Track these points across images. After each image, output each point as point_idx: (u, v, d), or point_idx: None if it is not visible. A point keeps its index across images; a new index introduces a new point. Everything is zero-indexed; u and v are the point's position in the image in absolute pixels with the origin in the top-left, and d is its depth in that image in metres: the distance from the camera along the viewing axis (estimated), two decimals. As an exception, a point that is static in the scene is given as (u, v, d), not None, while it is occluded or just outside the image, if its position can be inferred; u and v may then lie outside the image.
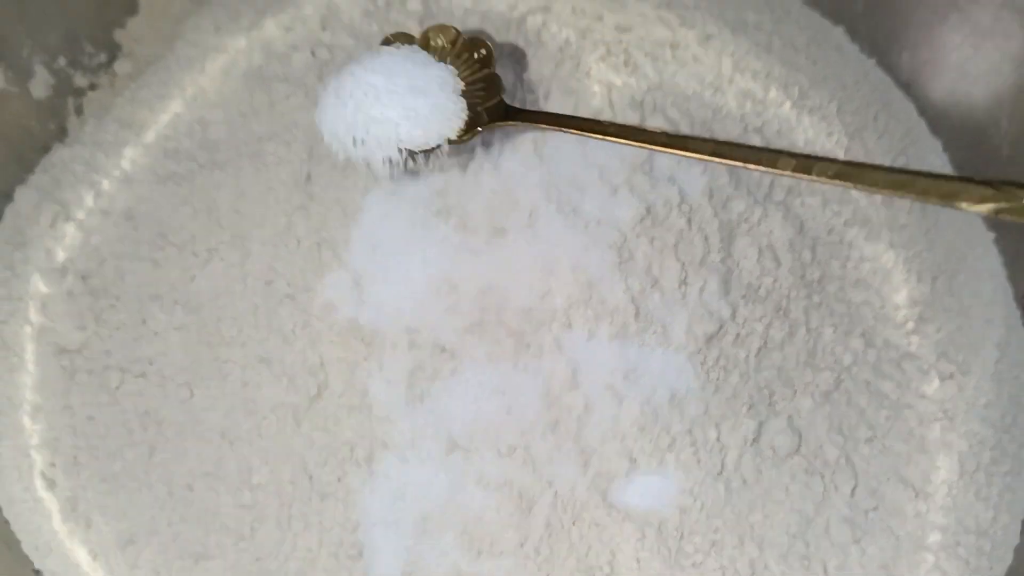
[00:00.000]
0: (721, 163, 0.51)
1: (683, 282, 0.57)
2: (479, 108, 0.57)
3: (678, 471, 0.55)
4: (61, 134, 0.63)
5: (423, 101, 0.54)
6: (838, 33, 0.67)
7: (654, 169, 0.59)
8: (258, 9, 0.64)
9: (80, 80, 0.63)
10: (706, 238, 0.58)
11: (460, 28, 0.60)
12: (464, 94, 0.56)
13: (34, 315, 0.58)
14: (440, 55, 0.57)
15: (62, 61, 0.62)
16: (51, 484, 0.56)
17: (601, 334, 0.55)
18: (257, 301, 0.57)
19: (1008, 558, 0.57)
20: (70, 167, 0.61)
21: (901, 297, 0.60)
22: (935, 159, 0.65)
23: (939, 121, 0.65)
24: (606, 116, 0.60)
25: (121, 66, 0.65)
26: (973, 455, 0.58)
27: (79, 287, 0.58)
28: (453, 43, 0.58)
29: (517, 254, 0.57)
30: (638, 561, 0.54)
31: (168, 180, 0.60)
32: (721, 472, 0.55)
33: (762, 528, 0.55)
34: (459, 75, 0.56)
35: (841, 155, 0.63)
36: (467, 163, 0.58)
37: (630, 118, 0.60)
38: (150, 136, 0.62)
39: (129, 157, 0.61)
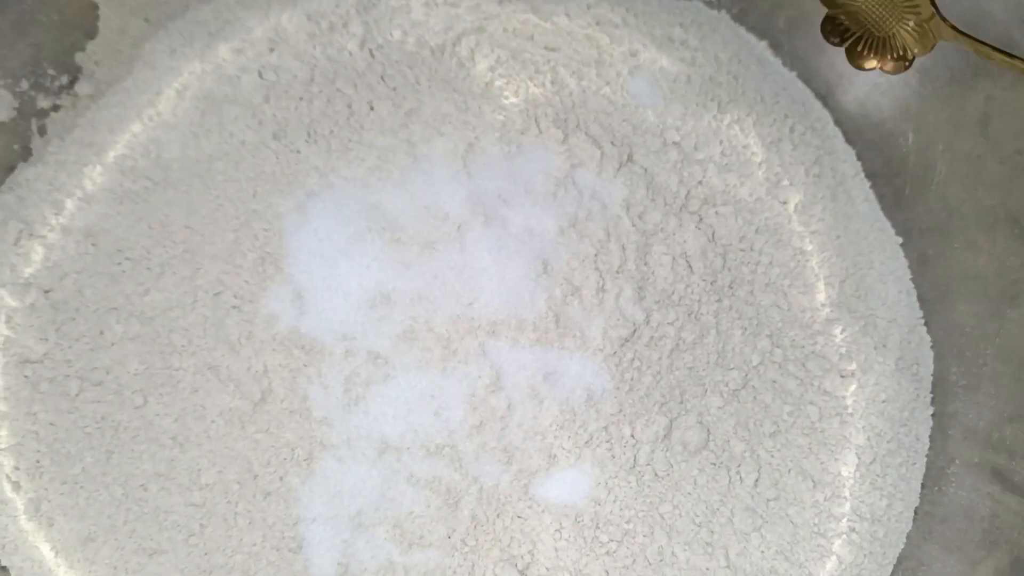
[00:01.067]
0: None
1: (601, 289, 0.60)
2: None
3: (594, 466, 0.59)
4: (25, 154, 0.64)
5: None
6: (761, 48, 0.70)
7: (576, 183, 0.62)
8: (211, 32, 0.65)
9: (43, 102, 0.65)
10: (623, 248, 0.61)
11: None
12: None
13: (0, 328, 0.60)
14: None
15: (25, 84, 0.64)
16: (16, 486, 0.58)
17: (523, 340, 0.59)
18: (206, 313, 0.59)
19: (900, 543, 0.61)
20: (34, 186, 0.62)
21: (808, 300, 0.63)
22: (848, 167, 0.68)
23: (854, 131, 0.69)
24: (531, 134, 0.63)
25: (82, 87, 0.66)
26: (870, 448, 0.61)
27: (41, 301, 0.60)
28: None
29: (446, 266, 0.60)
30: (556, 550, 0.58)
31: (125, 198, 0.62)
32: (634, 466, 0.59)
33: (671, 518, 0.59)
34: None
35: (758, 163, 0.66)
36: (402, 181, 0.61)
37: (554, 135, 0.63)
38: (109, 156, 0.63)
39: (89, 176, 0.63)
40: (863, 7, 0.59)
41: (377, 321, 0.59)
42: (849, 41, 0.59)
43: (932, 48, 0.57)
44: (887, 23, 0.58)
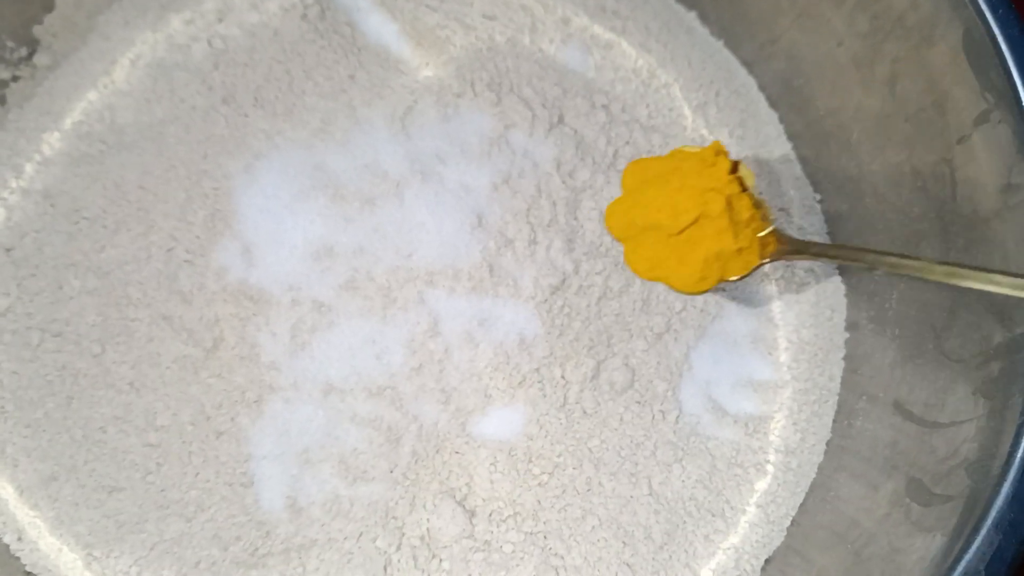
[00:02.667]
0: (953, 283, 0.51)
1: (532, 241, 0.64)
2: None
3: (527, 405, 0.62)
4: None
5: None
6: (691, 18, 0.74)
7: (509, 143, 0.65)
8: (162, 4, 0.68)
9: (3, 73, 0.67)
10: (554, 203, 0.65)
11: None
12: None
13: (-37, 284, 0.62)
14: None
15: None
16: None
17: (459, 289, 0.63)
18: (159, 267, 0.62)
19: (812, 473, 0.65)
20: None
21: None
22: (771, 130, 0.72)
23: (776, 96, 0.73)
24: (467, 97, 0.66)
25: (40, 59, 0.68)
26: (786, 387, 0.65)
27: (3, 258, 0.62)
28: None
29: (386, 221, 0.63)
30: (492, 483, 0.62)
31: (81, 161, 0.64)
32: (564, 405, 0.63)
33: (598, 451, 0.63)
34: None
35: (687, 126, 0.70)
36: (344, 142, 0.65)
37: (488, 98, 0.66)
38: (66, 122, 0.65)
39: (48, 141, 0.65)
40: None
41: (321, 272, 0.62)
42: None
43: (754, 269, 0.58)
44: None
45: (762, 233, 0.59)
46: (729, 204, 0.58)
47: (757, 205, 0.60)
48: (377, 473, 0.61)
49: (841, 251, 0.59)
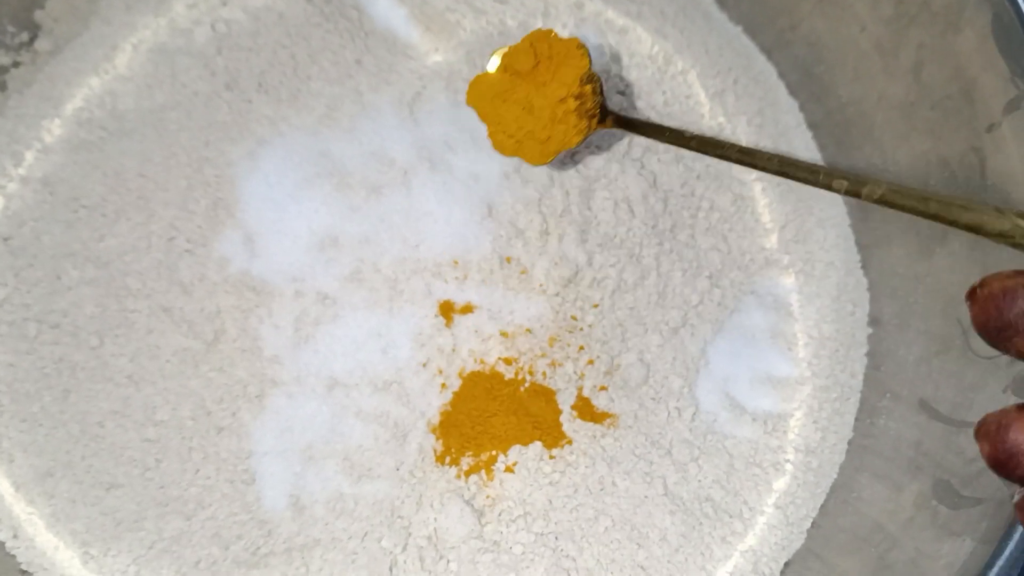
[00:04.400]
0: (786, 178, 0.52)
1: (544, 232, 0.62)
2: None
3: (537, 401, 0.61)
4: None
5: None
6: (708, 2, 0.71)
7: (521, 130, 0.63)
8: None
9: (3, 58, 0.66)
10: (567, 193, 0.63)
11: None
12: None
13: (-39, 274, 0.61)
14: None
15: None
16: None
17: (468, 281, 0.61)
18: (160, 257, 0.61)
19: (834, 474, 0.63)
20: None
21: (748, 243, 0.65)
22: (791, 118, 0.70)
23: (796, 83, 0.71)
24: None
25: (41, 44, 0.67)
26: (806, 383, 0.63)
27: (0, 248, 0.61)
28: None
29: (392, 210, 0.62)
30: (501, 482, 0.60)
31: (81, 148, 0.63)
32: (576, 401, 0.61)
33: (612, 450, 0.61)
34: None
35: (704, 114, 0.68)
36: (350, 128, 0.63)
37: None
38: (67, 109, 0.64)
39: (48, 128, 0.64)
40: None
41: (326, 263, 0.61)
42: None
43: (583, 139, 0.59)
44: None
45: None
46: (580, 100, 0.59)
47: (592, 82, 0.60)
48: (383, 471, 0.59)
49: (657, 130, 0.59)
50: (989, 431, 0.39)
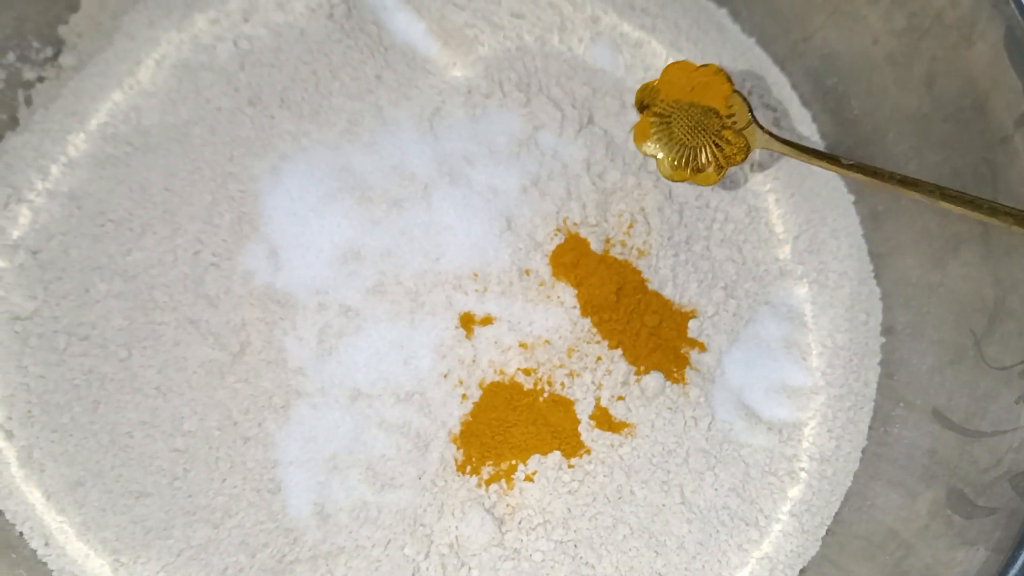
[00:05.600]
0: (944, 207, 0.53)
1: (562, 245, 0.63)
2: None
3: (556, 411, 0.62)
4: (13, 123, 0.66)
5: None
6: (721, 15, 0.72)
7: (539, 144, 0.64)
8: (187, 4, 0.67)
9: (29, 73, 0.66)
10: (584, 205, 0.64)
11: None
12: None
13: (-10, 287, 0.62)
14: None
15: (11, 56, 0.65)
16: (9, 435, 0.60)
17: (488, 292, 0.62)
18: (186, 270, 0.62)
19: (848, 482, 0.64)
20: (21, 153, 0.64)
21: (763, 254, 0.66)
22: (804, 129, 0.70)
23: (809, 95, 0.71)
24: (495, 97, 0.65)
25: (65, 59, 0.67)
26: (820, 392, 0.64)
27: (30, 261, 0.62)
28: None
29: (413, 223, 0.62)
30: (521, 490, 0.61)
31: (107, 163, 0.64)
32: (594, 411, 0.62)
33: (630, 459, 0.62)
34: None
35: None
36: (371, 143, 0.64)
37: (517, 98, 0.65)
38: (92, 124, 0.65)
39: (73, 143, 0.64)
40: (677, 118, 0.62)
41: (348, 276, 0.62)
42: (662, 152, 0.62)
43: (747, 156, 0.61)
44: (698, 136, 0.61)
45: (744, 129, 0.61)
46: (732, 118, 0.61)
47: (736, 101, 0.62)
48: (405, 480, 0.60)
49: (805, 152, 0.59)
50: None
